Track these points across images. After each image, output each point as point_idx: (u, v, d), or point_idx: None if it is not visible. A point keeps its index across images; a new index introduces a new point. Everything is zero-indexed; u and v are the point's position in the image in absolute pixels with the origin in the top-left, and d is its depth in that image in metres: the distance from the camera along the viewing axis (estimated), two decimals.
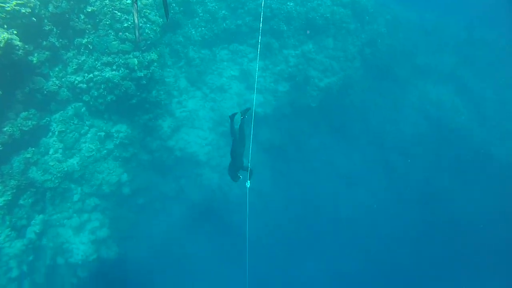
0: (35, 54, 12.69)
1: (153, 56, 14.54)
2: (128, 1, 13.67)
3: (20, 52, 11.86)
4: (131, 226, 16.38)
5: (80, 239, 14.17)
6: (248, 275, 11.03)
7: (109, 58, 13.71)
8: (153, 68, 14.65)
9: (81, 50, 13.52)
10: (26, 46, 12.25)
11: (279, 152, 19.65)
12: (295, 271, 19.71)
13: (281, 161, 19.87)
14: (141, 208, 17.02)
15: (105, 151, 14.89)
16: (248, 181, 8.37)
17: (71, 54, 13.54)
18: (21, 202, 12.60)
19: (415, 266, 19.97)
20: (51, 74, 13.11)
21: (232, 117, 9.42)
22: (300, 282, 19.53)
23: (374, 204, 20.48)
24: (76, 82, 13.41)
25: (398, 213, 20.64)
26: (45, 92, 12.92)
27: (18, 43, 11.76)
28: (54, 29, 13.04)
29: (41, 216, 13.14)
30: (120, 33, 13.61)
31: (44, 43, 12.90)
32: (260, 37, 8.59)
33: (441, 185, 20.55)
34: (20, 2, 11.69)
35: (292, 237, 20.05)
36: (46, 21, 12.83)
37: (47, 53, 12.92)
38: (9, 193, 12.19)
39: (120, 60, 13.80)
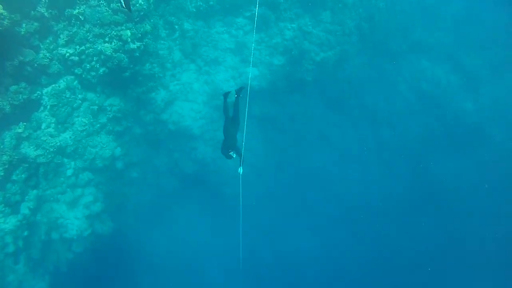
0: (23, 25, 12.15)
1: (147, 27, 14.08)
2: None
3: (6, 22, 11.33)
4: (124, 200, 16.40)
5: (74, 214, 14.13)
6: (241, 245, 11.16)
7: (101, 29, 13.21)
8: (146, 40, 14.23)
9: (72, 21, 12.96)
10: (12, 16, 11.69)
11: (273, 124, 19.61)
12: (285, 241, 20.10)
13: (275, 133, 19.85)
14: (134, 182, 16.97)
15: (98, 125, 14.64)
16: (240, 167, 8.25)
17: (62, 26, 12.98)
18: (14, 177, 12.41)
19: (404, 239, 20.49)
20: (41, 46, 12.61)
21: (225, 95, 9.08)
22: (290, 251, 19.93)
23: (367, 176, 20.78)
24: (68, 54, 12.94)
25: (388, 186, 20.99)
26: (36, 65, 12.47)
27: (2, 11, 11.21)
28: None
29: (34, 191, 13.00)
30: (112, 4, 13.05)
31: (32, 13, 12.32)
32: (257, 9, 8.01)
33: (432, 159, 20.84)
34: None
35: (284, 207, 20.32)
36: None
37: (36, 24, 12.37)
38: (1, 168, 11.98)
39: (113, 31, 13.31)
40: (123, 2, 7.25)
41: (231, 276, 18.08)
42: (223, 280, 18.15)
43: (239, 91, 8.77)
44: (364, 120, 20.76)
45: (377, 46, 20.35)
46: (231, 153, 8.05)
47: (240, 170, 8.29)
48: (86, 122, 14.10)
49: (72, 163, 14.13)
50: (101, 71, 13.64)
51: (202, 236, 18.66)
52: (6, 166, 12.06)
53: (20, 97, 12.17)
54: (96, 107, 14.32)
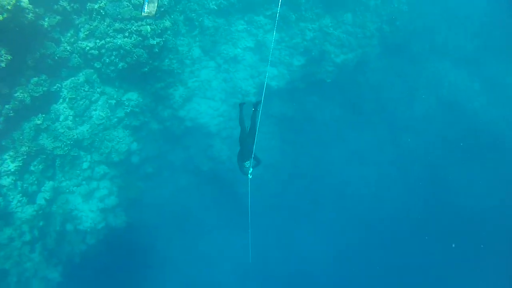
0: (46, 18, 12.28)
1: (167, 23, 14.09)
2: None
3: (30, 15, 11.46)
4: (139, 194, 16.49)
5: (89, 207, 14.29)
6: (251, 243, 11.10)
7: (121, 24, 13.29)
8: (166, 36, 14.23)
9: (93, 15, 13.06)
10: (37, 10, 11.83)
11: (290, 124, 19.49)
12: (297, 242, 20.00)
13: (292, 133, 19.74)
14: (149, 177, 17.08)
15: (115, 119, 14.74)
16: (250, 169, 8.47)
17: (83, 19, 13.09)
18: (31, 168, 12.61)
19: (417, 243, 20.17)
20: (62, 39, 12.73)
21: (241, 106, 9.26)
22: (301, 253, 19.81)
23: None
24: (88, 48, 13.05)
25: (404, 191, 20.68)
26: (56, 57, 12.60)
27: (28, 6, 11.35)
28: None
29: (51, 182, 13.18)
30: None
31: (55, 6, 12.43)
32: (279, 8, 8.00)
33: (450, 168, 20.41)
34: None
35: (297, 208, 20.24)
36: None
37: (58, 17, 12.49)
38: (20, 159, 12.17)
39: (133, 27, 13.37)
40: (145, 7, 7.26)
41: (242, 275, 18.07)
42: (234, 278, 18.10)
43: (256, 104, 8.81)
44: (382, 124, 20.45)
45: (399, 49, 20.01)
46: (246, 164, 8.40)
47: (250, 175, 8.50)
48: (104, 116, 14.21)
49: (88, 156, 14.26)
50: (120, 65, 13.72)
51: (215, 231, 18.72)
52: (25, 157, 12.25)
53: (40, 89, 12.31)
54: (114, 101, 14.42)
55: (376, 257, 19.71)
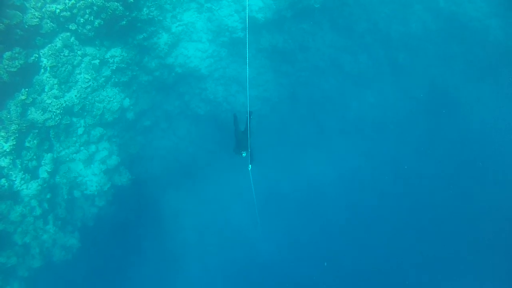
0: None
1: None
2: None
3: None
4: (140, 149, 16.44)
5: (91, 171, 14.29)
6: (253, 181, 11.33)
7: None
8: None
9: None
10: None
11: (283, 55, 18.76)
12: (300, 170, 20.34)
13: (286, 64, 19.07)
14: (148, 130, 16.90)
15: (102, 79, 14.14)
16: (250, 165, 9.99)
17: None
18: (27, 144, 12.33)
19: (420, 164, 20.43)
20: (27, 5, 11.59)
21: (235, 116, 10.92)
22: (303, 179, 20.22)
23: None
24: (58, 11, 11.98)
25: (405, 112, 20.47)
26: (26, 26, 11.61)
27: None
28: None
29: (49, 154, 13.00)
30: None
31: None
32: None
33: (451, 83, 19.89)
34: None
35: (300, 138, 20.25)
36: None
37: None
38: (12, 138, 11.84)
39: None
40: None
41: (253, 213, 18.61)
42: (246, 216, 18.57)
43: (250, 113, 10.10)
44: (377, 44, 19.54)
45: None
46: (243, 154, 9.85)
47: (250, 166, 9.98)
48: (89, 78, 13.58)
49: (82, 121, 13.91)
50: (96, 23, 12.78)
51: (219, 173, 18.93)
52: (17, 135, 11.91)
53: (16, 63, 11.55)
54: (97, 61, 13.70)
55: (380, 179, 20.07)
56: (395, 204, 19.46)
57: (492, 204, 19.29)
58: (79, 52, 13.16)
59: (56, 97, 12.85)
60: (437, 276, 19.03)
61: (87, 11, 12.33)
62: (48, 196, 12.92)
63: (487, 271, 18.20)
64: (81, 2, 12.07)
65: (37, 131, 12.50)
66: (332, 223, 19.77)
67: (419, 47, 19.29)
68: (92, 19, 12.60)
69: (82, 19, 12.45)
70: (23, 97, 12.00)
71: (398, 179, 20.23)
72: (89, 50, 13.47)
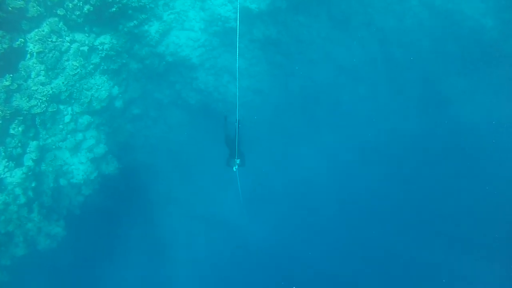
0: None
1: None
2: None
3: None
4: (129, 138, 16.28)
5: (78, 159, 14.11)
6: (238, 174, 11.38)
7: None
8: None
9: None
10: None
11: (277, 47, 18.50)
12: (291, 162, 20.32)
13: (279, 56, 18.85)
14: (137, 119, 16.71)
15: (91, 66, 13.87)
16: (236, 165, 10.62)
17: None
18: (11, 131, 12.10)
19: (413, 157, 20.48)
20: None
21: (225, 117, 11.87)
22: (294, 171, 20.21)
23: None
24: None
25: (398, 107, 20.42)
26: (10, 9, 11.25)
27: None
28: None
29: (35, 142, 12.78)
30: None
31: None
32: None
33: (445, 79, 19.84)
34: None
35: (293, 130, 20.16)
36: None
37: None
38: None
39: None
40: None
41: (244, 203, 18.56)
42: (236, 207, 18.53)
43: (239, 122, 10.21)
44: (372, 38, 19.37)
45: None
46: (237, 161, 10.53)
47: (235, 167, 10.58)
48: (78, 65, 13.30)
49: (69, 108, 13.67)
50: (85, 9, 12.47)
51: (209, 162, 18.81)
52: (0, 122, 11.68)
53: (0, 48, 11.27)
54: (86, 48, 13.41)
55: (374, 172, 20.10)
56: (387, 198, 19.56)
57: (485, 199, 19.48)
58: (67, 38, 12.86)
59: (42, 84, 12.58)
60: (430, 272, 19.37)
61: None
62: (33, 184, 12.73)
63: (486, 271, 18.45)
64: None
65: (22, 118, 12.25)
66: (321, 215, 19.88)
67: (414, 43, 19.13)
68: (81, 4, 12.30)
69: (71, 4, 12.14)
70: (7, 83, 11.71)
71: (389, 174, 20.27)
72: (78, 36, 13.17)
